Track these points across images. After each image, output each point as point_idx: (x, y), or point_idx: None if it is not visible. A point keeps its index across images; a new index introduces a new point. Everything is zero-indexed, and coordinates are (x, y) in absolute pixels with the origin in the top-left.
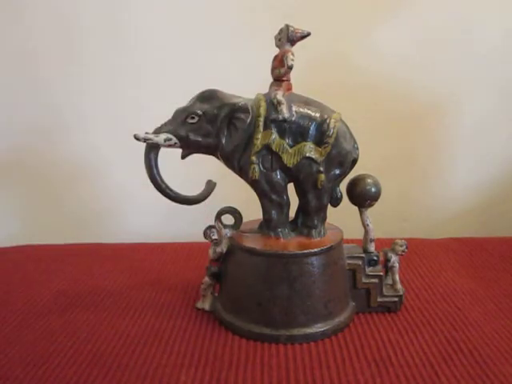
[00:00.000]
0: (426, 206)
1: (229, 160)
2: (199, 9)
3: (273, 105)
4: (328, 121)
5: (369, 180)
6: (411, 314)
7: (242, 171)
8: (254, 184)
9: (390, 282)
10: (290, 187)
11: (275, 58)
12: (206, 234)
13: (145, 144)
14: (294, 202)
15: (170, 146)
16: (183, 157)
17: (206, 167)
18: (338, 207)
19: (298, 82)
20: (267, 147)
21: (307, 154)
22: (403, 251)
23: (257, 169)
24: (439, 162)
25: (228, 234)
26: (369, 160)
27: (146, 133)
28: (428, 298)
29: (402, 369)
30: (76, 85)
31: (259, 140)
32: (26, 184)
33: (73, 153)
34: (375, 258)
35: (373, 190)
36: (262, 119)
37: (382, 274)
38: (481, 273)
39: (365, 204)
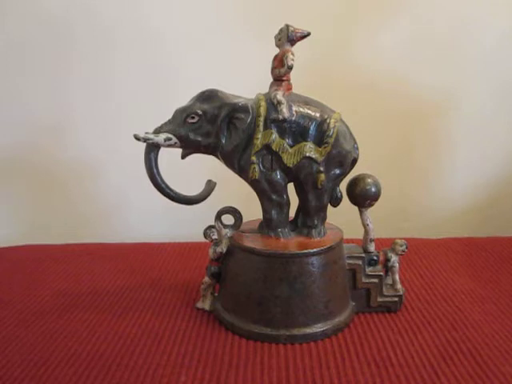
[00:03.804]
0: (426, 206)
1: (229, 160)
2: (199, 9)
3: (273, 105)
4: (328, 121)
5: (369, 180)
6: (411, 314)
7: (241, 171)
8: (253, 184)
9: (389, 281)
10: (290, 187)
11: (275, 57)
12: (206, 234)
13: (145, 144)
14: (294, 201)
15: (170, 145)
16: (183, 157)
17: (206, 167)
18: (338, 207)
19: (298, 81)
20: (267, 147)
21: (307, 154)
22: (403, 251)
23: (257, 169)
24: (439, 161)
25: (228, 234)
26: (369, 160)
27: (146, 133)
28: (428, 298)
29: (401, 369)
30: (81, 84)
31: (259, 140)
32: (27, 184)
33: (74, 153)
34: (375, 257)
35: (373, 189)
36: (262, 119)
37: (382, 273)
38: (480, 273)
39: (365, 204)
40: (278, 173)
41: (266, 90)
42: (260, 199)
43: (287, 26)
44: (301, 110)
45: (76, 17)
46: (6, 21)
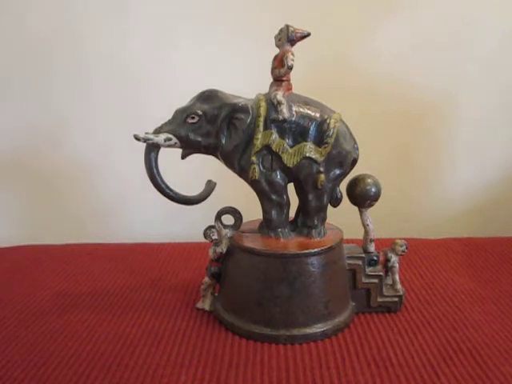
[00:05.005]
0: (426, 206)
1: (229, 160)
2: (199, 9)
3: (273, 105)
4: (328, 121)
5: (369, 180)
6: (411, 314)
7: (242, 171)
8: (253, 184)
9: (389, 282)
10: (290, 187)
11: (275, 57)
12: (206, 234)
13: (145, 144)
14: (294, 201)
15: (170, 146)
16: (183, 157)
17: (206, 167)
18: (338, 207)
19: (298, 83)
20: (267, 147)
21: (307, 154)
22: (403, 251)
23: (257, 169)
24: (439, 162)
25: (228, 234)
26: (369, 160)
27: (146, 133)
28: (428, 298)
29: (401, 369)
30: (77, 85)
31: (259, 140)
32: (27, 184)
33: (73, 153)
34: (375, 257)
35: (373, 189)
36: (262, 119)
37: (382, 273)
38: (480, 273)
39: (365, 204)
40: (278, 173)
41: (265, 90)
42: (260, 199)
43: (287, 27)
44: (301, 110)
45: (77, 19)
46: (9, 25)
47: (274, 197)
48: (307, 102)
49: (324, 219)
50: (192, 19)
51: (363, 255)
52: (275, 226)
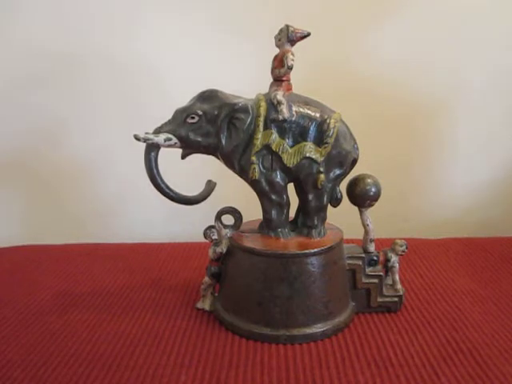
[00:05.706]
0: (425, 206)
1: (229, 160)
2: (199, 9)
3: (273, 105)
4: (328, 121)
5: (369, 180)
6: (411, 314)
7: (242, 171)
8: (253, 184)
9: (389, 282)
10: (290, 187)
11: (275, 57)
12: (206, 234)
13: (145, 144)
14: (294, 201)
15: (170, 146)
16: (183, 157)
17: (206, 167)
18: (338, 207)
19: (298, 83)
20: (267, 147)
21: (307, 154)
22: (403, 251)
23: (257, 169)
24: (439, 162)
25: (228, 234)
26: (369, 160)
27: (146, 133)
28: (428, 298)
29: (401, 369)
30: (76, 85)
31: (259, 140)
32: (26, 184)
33: (73, 153)
34: (375, 257)
35: (373, 189)
36: (262, 119)
37: (382, 273)
38: (481, 273)
39: (365, 204)
40: (278, 173)
41: (265, 90)
42: (260, 199)
43: (287, 27)
44: (301, 110)
45: (76, 18)
46: (11, 24)
47: (273, 197)
48: (307, 102)
49: (324, 219)
50: (192, 19)
51: (363, 255)
52: (275, 226)
